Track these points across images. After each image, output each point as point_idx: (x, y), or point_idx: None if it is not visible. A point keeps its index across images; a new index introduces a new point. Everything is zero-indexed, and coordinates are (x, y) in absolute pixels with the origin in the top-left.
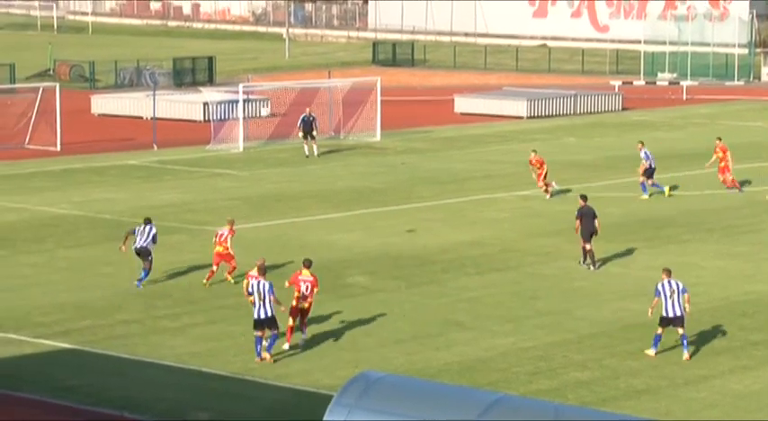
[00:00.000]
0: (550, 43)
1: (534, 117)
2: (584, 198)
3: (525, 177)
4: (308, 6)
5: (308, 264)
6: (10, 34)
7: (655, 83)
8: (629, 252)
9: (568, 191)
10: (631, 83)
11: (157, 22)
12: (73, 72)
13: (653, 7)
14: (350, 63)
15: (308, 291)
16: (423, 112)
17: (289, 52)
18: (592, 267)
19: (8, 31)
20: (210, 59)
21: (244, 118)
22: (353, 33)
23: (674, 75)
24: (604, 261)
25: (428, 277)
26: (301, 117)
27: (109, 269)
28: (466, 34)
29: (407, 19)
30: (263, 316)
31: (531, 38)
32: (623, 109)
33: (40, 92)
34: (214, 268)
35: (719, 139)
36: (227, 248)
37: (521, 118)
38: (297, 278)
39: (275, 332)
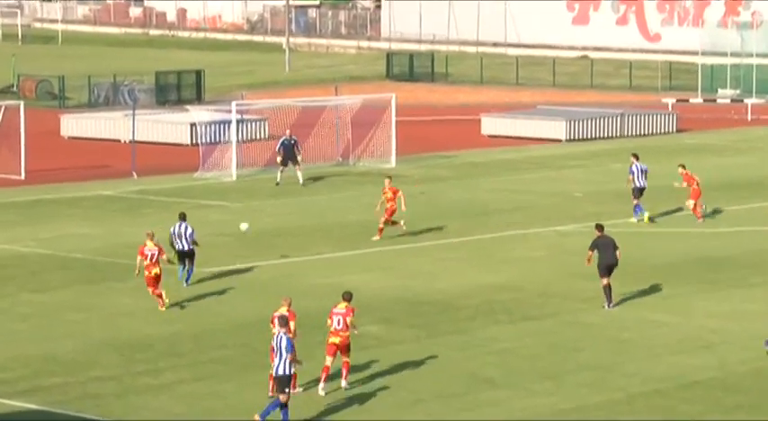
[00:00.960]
0: (592, 54)
1: (574, 140)
2: (599, 227)
3: (563, 209)
4: (312, 12)
5: (347, 297)
6: None
7: (714, 100)
8: (685, 297)
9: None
10: (687, 100)
11: (137, 30)
12: (40, 88)
13: (711, 13)
14: (360, 77)
15: (341, 324)
16: (444, 134)
17: (289, 65)
18: (607, 305)
19: None
20: (198, 73)
21: (237, 141)
22: (364, 43)
23: (737, 91)
24: (655, 307)
25: (452, 326)
26: (281, 140)
27: (81, 316)
28: (494, 44)
29: (427, 26)
30: (279, 372)
31: (571, 48)
32: (678, 131)
33: (2, 111)
34: (151, 291)
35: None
36: (160, 268)
37: (558, 141)
38: (331, 312)
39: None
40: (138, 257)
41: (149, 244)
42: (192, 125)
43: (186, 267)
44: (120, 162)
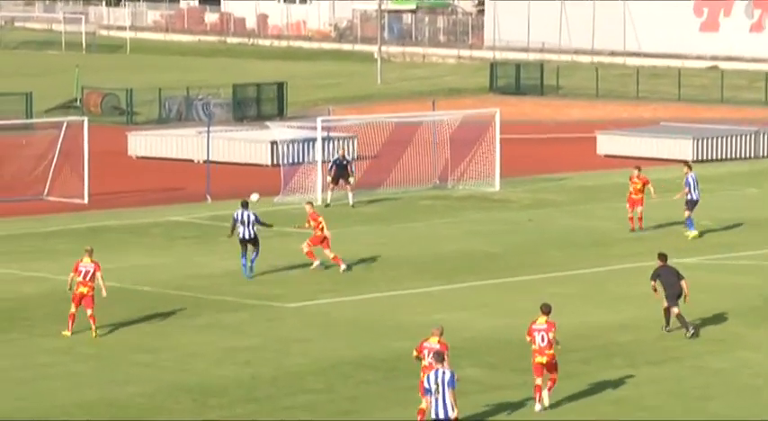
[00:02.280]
0: (723, 65)
1: (702, 161)
2: (662, 257)
3: (690, 239)
4: (407, 18)
5: (546, 310)
6: (26, 54)
7: None
8: None
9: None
10: None
11: (213, 38)
12: (105, 103)
13: None
14: (460, 90)
15: (545, 341)
16: (555, 154)
17: (381, 76)
18: (688, 332)
19: (25, 50)
20: (280, 86)
21: (323, 161)
22: (465, 52)
23: None
24: None
25: (561, 370)
26: (333, 160)
27: (148, 357)
28: (612, 53)
29: (535, 33)
30: (441, 415)
31: (698, 58)
32: None
33: (64, 128)
34: (73, 309)
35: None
36: (92, 288)
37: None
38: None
39: None
40: (71, 274)
41: (86, 260)
42: (273, 143)
43: (249, 256)
44: (192, 184)
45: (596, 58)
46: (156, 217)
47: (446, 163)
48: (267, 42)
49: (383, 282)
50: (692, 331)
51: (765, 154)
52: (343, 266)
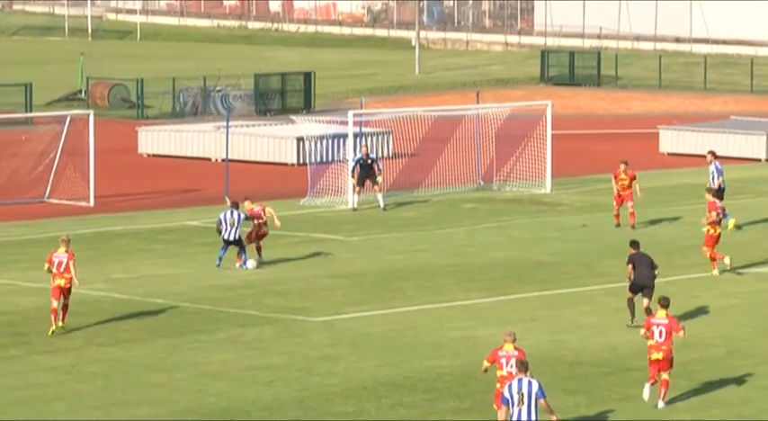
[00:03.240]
0: None
1: None
2: (634, 244)
3: (764, 246)
4: (448, 1)
5: (665, 303)
6: (26, 41)
7: None
8: None
9: None
10: None
11: (233, 23)
12: (113, 94)
13: None
14: (508, 81)
15: (662, 336)
16: (613, 152)
17: (420, 65)
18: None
19: (24, 36)
20: (307, 76)
21: (355, 160)
22: (513, 38)
23: None
24: None
25: (620, 392)
26: (356, 159)
27: (161, 377)
28: (677, 40)
29: (591, 17)
30: None
31: None
32: None
33: (68, 123)
34: (55, 304)
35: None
36: (70, 279)
37: (757, 160)
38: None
39: None
40: (46, 265)
41: (60, 250)
42: (300, 140)
43: (228, 251)
44: (210, 185)
45: (659, 46)
46: (170, 222)
47: (491, 162)
48: (293, 27)
49: (420, 294)
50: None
51: None
52: (251, 263)
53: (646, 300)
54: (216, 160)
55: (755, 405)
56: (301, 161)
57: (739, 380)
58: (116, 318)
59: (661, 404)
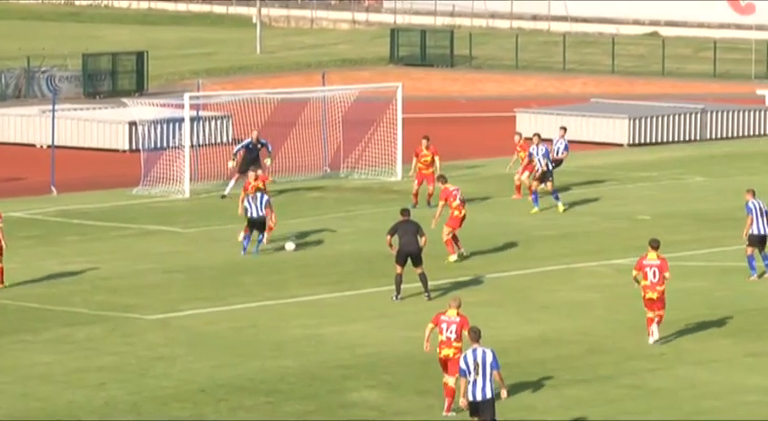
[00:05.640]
0: (664, 31)
1: (640, 144)
2: (404, 212)
3: (624, 237)
4: None
5: (655, 245)
6: None
7: None
8: None
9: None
10: None
11: (60, 0)
12: None
13: None
14: (356, 61)
15: (656, 277)
16: (468, 137)
17: (261, 45)
18: (395, 297)
19: None
20: (141, 56)
21: (191, 146)
22: (361, 16)
23: None
24: (747, 368)
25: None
26: (245, 143)
27: None
28: (534, 17)
29: None
30: (479, 397)
31: (636, 23)
32: None
33: None
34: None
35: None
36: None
37: (619, 146)
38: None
39: None
40: None
41: None
42: (132, 125)
43: (256, 237)
44: (34, 174)
45: (516, 24)
46: None
47: (338, 147)
48: (124, 3)
49: (261, 290)
50: (398, 297)
51: (713, 135)
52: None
53: (400, 269)
54: (41, 146)
55: (619, 405)
56: (134, 147)
57: (601, 379)
58: None
59: (655, 335)
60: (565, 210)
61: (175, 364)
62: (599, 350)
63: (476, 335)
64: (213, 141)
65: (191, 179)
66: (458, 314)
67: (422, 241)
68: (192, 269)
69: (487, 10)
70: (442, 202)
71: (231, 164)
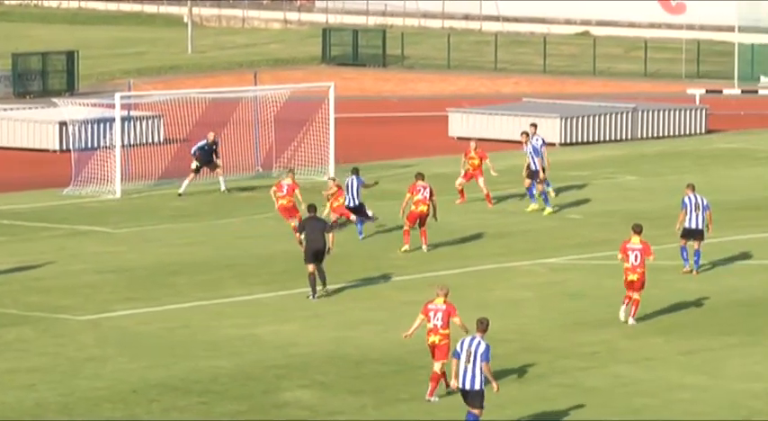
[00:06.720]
0: (596, 30)
1: (572, 144)
2: (311, 208)
3: (556, 236)
4: None
5: (638, 229)
6: None
7: (756, 91)
8: (717, 352)
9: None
10: (720, 91)
11: None
12: None
13: None
14: (288, 61)
15: (638, 260)
16: (400, 136)
17: (192, 44)
18: (312, 296)
19: None
20: (71, 56)
21: (123, 146)
22: (293, 15)
23: None
24: (679, 365)
25: (409, 391)
26: (200, 144)
27: None
28: (466, 17)
29: None
30: (467, 386)
31: (567, 22)
32: (707, 131)
33: None
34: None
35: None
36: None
37: (551, 145)
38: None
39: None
40: None
41: None
42: (62, 125)
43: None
44: None
45: (447, 23)
46: None
47: (270, 147)
48: (54, 3)
49: (194, 290)
50: (315, 297)
51: (644, 135)
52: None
53: (312, 266)
54: None
55: (554, 403)
56: (64, 147)
57: (538, 377)
58: None
59: (631, 321)
60: (534, 212)
61: (107, 365)
62: (533, 349)
63: (481, 326)
64: (144, 141)
65: (122, 179)
66: (444, 302)
67: (329, 238)
68: (124, 269)
69: (419, 9)
70: (408, 195)
71: (194, 165)
